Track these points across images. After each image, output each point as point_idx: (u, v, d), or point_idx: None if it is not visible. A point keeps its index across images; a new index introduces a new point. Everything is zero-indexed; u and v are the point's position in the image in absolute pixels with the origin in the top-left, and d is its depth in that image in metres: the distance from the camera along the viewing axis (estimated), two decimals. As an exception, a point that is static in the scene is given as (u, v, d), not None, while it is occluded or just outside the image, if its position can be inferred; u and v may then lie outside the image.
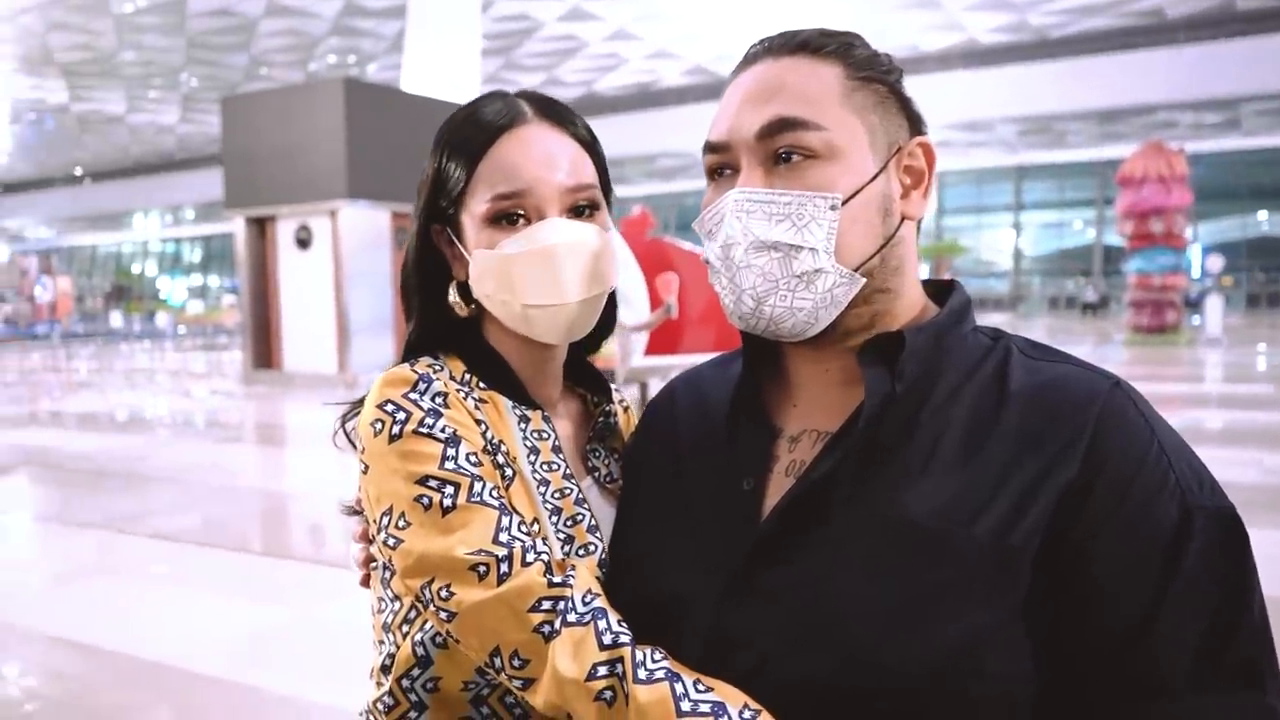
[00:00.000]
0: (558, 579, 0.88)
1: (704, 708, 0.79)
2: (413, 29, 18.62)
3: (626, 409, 1.25)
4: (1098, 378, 0.85)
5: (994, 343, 0.91)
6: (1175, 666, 0.76)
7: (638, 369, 9.11)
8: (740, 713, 0.78)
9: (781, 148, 0.87)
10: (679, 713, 0.79)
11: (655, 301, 8.72)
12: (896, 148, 0.90)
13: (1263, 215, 41.37)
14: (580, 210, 1.04)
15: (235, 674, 3.70)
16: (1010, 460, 0.81)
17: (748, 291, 0.88)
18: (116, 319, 41.32)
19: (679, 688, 0.80)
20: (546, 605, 0.86)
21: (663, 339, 9.84)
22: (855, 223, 0.87)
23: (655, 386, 10.81)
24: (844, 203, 0.86)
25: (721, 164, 0.92)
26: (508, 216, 1.02)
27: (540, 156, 1.02)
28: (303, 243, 15.19)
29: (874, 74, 0.90)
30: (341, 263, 14.76)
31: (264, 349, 15.93)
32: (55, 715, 3.41)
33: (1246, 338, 22.17)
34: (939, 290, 0.98)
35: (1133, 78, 28.83)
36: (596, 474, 1.12)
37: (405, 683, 1.00)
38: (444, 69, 17.61)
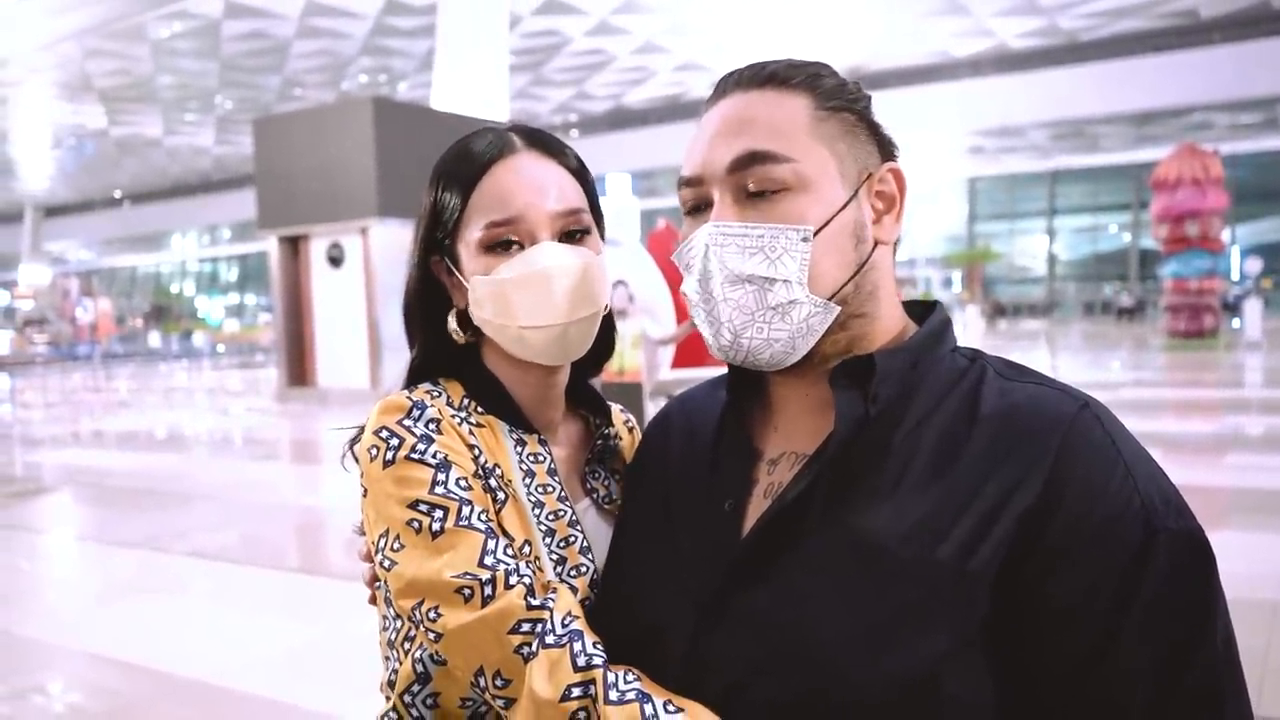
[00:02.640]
0: (537, 601, 0.91)
1: None
2: (442, 47, 18.77)
3: (632, 429, 1.28)
4: (1066, 399, 0.85)
5: (970, 364, 0.91)
6: (1135, 691, 0.76)
7: (664, 382, 9.10)
8: None
9: (752, 180, 0.88)
10: None
11: (681, 315, 8.71)
12: (867, 174, 0.91)
13: (1303, 216, 40.69)
14: (572, 235, 1.08)
15: (272, 690, 3.72)
16: (976, 483, 0.81)
17: (725, 325, 0.89)
18: (155, 339, 41.93)
19: (648, 709, 0.83)
20: (526, 627, 0.89)
21: (689, 352, 9.83)
22: (828, 252, 0.88)
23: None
24: (816, 233, 0.87)
25: (696, 198, 0.93)
26: (502, 243, 1.05)
27: (530, 184, 1.06)
28: (335, 261, 15.35)
29: (841, 103, 0.91)
30: (373, 280, 14.90)
31: (298, 366, 16.09)
32: (95, 732, 3.44)
33: (1288, 341, 21.79)
34: (922, 310, 0.98)
35: (1167, 79, 28.51)
36: (595, 495, 1.14)
37: (407, 698, 1.04)
38: (473, 86, 17.74)
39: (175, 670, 3.94)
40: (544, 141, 1.10)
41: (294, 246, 15.98)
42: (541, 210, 1.05)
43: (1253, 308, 21.42)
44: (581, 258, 1.06)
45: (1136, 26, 29.18)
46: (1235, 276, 32.75)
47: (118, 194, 54.62)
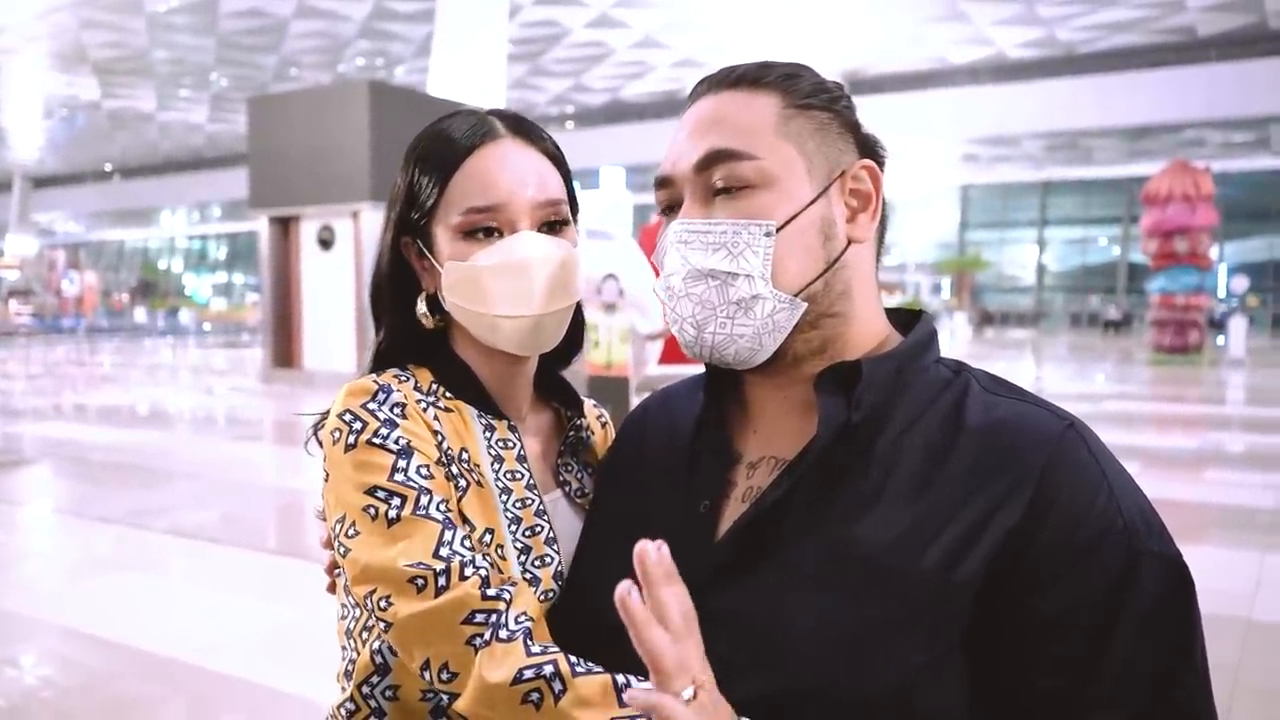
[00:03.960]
0: (491, 592, 0.90)
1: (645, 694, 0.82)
2: (441, 33, 18.72)
3: (605, 425, 1.27)
4: (1052, 418, 0.85)
5: (955, 375, 0.91)
6: (1116, 712, 0.76)
7: (651, 378, 9.10)
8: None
9: (718, 178, 0.89)
10: (621, 703, 0.82)
11: (674, 310, 8.69)
12: (839, 172, 0.91)
13: (1291, 236, 40.98)
14: (551, 225, 1.07)
15: (250, 671, 3.72)
16: (959, 498, 0.81)
17: (687, 320, 0.90)
18: (141, 314, 41.69)
19: (619, 679, 0.84)
20: (479, 618, 0.88)
21: (677, 349, 9.83)
22: (793, 248, 0.88)
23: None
24: (780, 229, 0.87)
25: (669, 199, 0.94)
26: (482, 229, 1.04)
27: (513, 171, 1.04)
28: (325, 243, 15.30)
29: (814, 101, 0.91)
30: (363, 263, 14.84)
31: (285, 347, 16.04)
32: (70, 707, 3.44)
33: (1271, 360, 21.96)
34: (905, 320, 0.98)
35: (1162, 95, 28.65)
36: (567, 487, 1.13)
37: (365, 689, 1.02)
38: (470, 74, 17.70)
39: (152, 648, 3.94)
40: (525, 128, 1.09)
41: (284, 227, 15.91)
42: (523, 199, 1.04)
43: (1237, 325, 21.57)
44: (560, 249, 1.06)
45: (1134, 41, 29.30)
46: (1221, 294, 32.96)
47: (108, 167, 54.28)
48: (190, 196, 53.76)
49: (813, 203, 0.89)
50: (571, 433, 1.16)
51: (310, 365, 15.64)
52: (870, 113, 0.97)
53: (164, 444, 9.73)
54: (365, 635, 1.03)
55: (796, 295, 0.88)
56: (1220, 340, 25.42)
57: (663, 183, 0.94)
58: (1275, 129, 32.70)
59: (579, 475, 1.16)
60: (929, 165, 36.51)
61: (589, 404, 1.25)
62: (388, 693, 1.02)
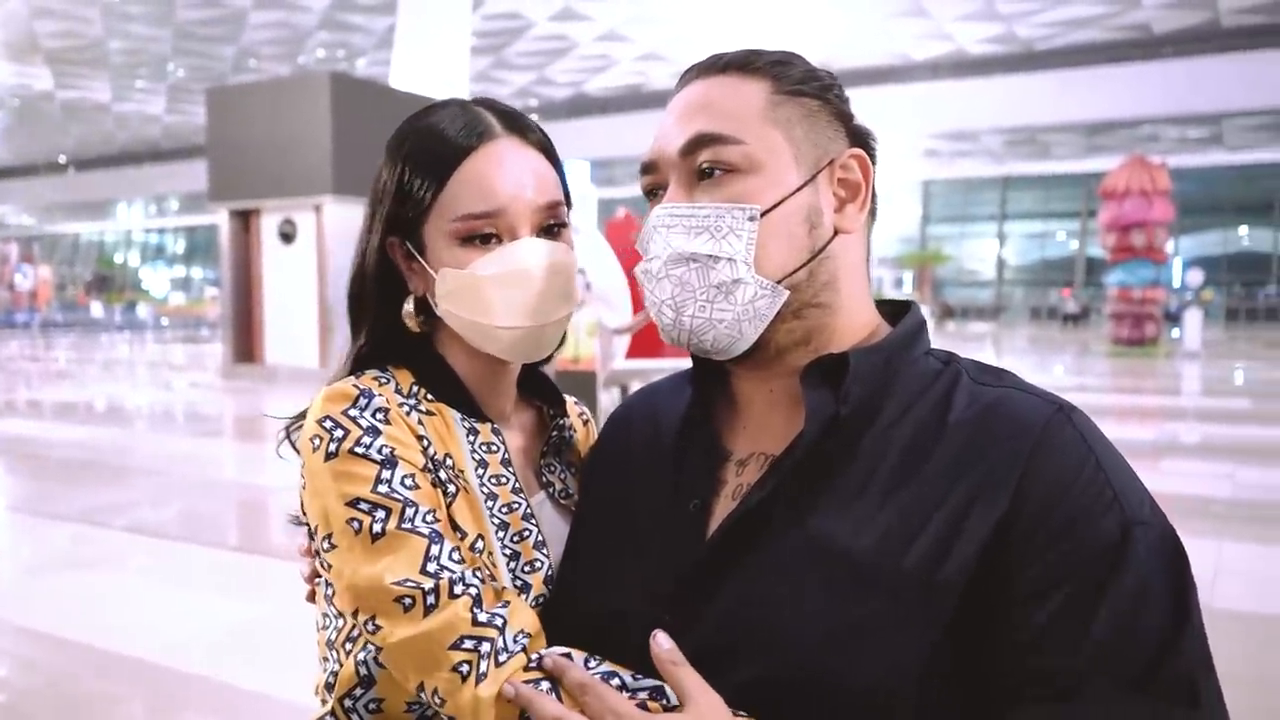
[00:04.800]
0: (484, 616, 0.87)
1: (642, 692, 0.82)
2: (403, 25, 18.55)
3: (586, 422, 1.24)
4: (1041, 403, 0.84)
5: (944, 366, 0.90)
6: (1101, 677, 0.75)
7: (618, 372, 9.11)
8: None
9: (703, 163, 0.88)
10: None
11: (638, 304, 8.73)
12: (827, 160, 0.90)
13: (1243, 230, 41.78)
14: (550, 229, 1.03)
15: (215, 669, 3.68)
16: (945, 489, 0.81)
17: (666, 302, 0.89)
18: (97, 309, 41.04)
19: (615, 681, 0.83)
20: (469, 644, 0.85)
21: (645, 343, 9.85)
22: (777, 235, 0.87)
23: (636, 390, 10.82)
24: (764, 214, 0.86)
25: (654, 184, 0.94)
26: (479, 236, 1.00)
27: (511, 174, 1.00)
28: (286, 237, 15.15)
29: (804, 89, 0.90)
30: (325, 258, 14.72)
31: (245, 343, 15.87)
32: (31, 708, 3.39)
33: (1224, 352, 22.38)
34: (895, 310, 0.97)
35: (1119, 91, 29.04)
36: (551, 489, 1.11)
37: (348, 702, 0.99)
38: (433, 66, 17.55)
39: (112, 647, 3.88)
40: (519, 123, 1.05)
41: (245, 221, 15.73)
42: (523, 203, 1.00)
43: (1193, 318, 21.94)
44: (560, 254, 1.03)
45: (1091, 38, 29.67)
46: (1177, 286, 33.52)
47: (62, 159, 53.27)
48: (147, 189, 52.92)
49: (799, 190, 0.88)
50: (555, 433, 1.13)
51: (272, 360, 15.48)
52: (847, 98, 0.96)
53: (122, 440, 9.59)
54: (349, 646, 0.99)
55: (779, 283, 0.87)
56: (1175, 333, 25.85)
57: (648, 168, 0.93)
58: (1228, 125, 33.28)
59: (562, 476, 1.13)
60: (891, 160, 36.75)
61: (570, 402, 1.22)
62: (371, 705, 0.98)
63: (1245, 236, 41.96)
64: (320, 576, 1.04)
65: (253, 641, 4.02)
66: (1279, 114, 30.76)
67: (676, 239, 0.88)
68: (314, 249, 14.87)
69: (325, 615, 1.04)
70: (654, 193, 0.94)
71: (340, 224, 14.68)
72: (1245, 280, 40.69)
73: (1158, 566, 0.77)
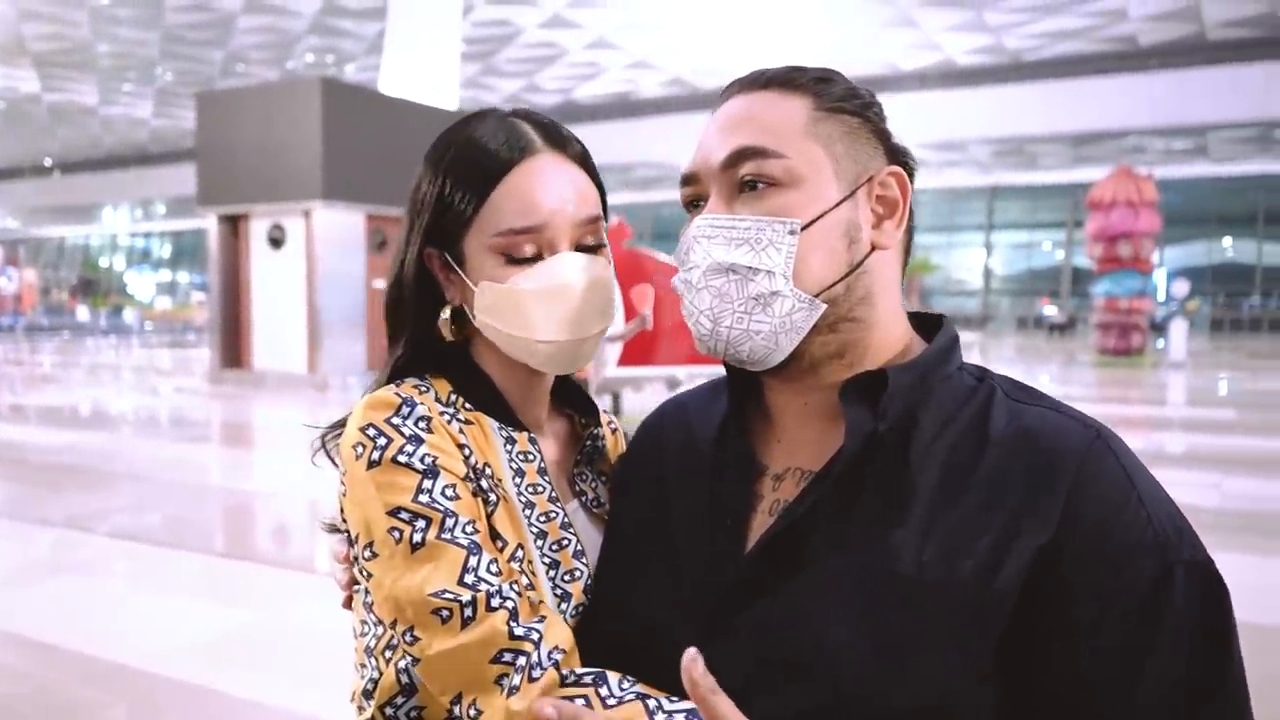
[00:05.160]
0: (520, 630, 0.88)
1: (678, 715, 0.81)
2: (393, 31, 18.55)
3: (615, 431, 1.24)
4: (1079, 427, 0.84)
5: (979, 383, 0.91)
6: (1159, 717, 0.75)
7: (611, 379, 9.11)
8: None
9: (745, 176, 0.89)
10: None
11: (630, 312, 8.75)
12: (866, 177, 0.91)
13: (1227, 241, 42.09)
14: (589, 246, 1.05)
15: (200, 676, 3.66)
16: (989, 510, 0.81)
17: (704, 313, 0.89)
18: (83, 313, 40.83)
19: (650, 703, 0.83)
20: (506, 658, 0.86)
21: (637, 350, 9.85)
22: (816, 248, 0.87)
23: (628, 397, 10.83)
24: (804, 228, 0.87)
25: (694, 195, 0.94)
26: (520, 249, 1.01)
27: (552, 190, 1.01)
28: (275, 242, 15.09)
29: (844, 105, 0.91)
30: (314, 263, 14.68)
31: (233, 348, 15.80)
32: (13, 714, 3.36)
33: (1209, 362, 22.51)
34: (925, 324, 0.97)
35: (1105, 103, 29.23)
36: (584, 498, 1.11)
37: (389, 710, 0.99)
38: (423, 73, 17.56)
39: (99, 653, 3.86)
40: (560, 137, 1.06)
41: (234, 225, 15.68)
42: (565, 218, 1.01)
43: (1178, 328, 22.05)
44: (600, 269, 1.04)
45: (1078, 49, 29.86)
46: (1161, 297, 33.72)
47: (48, 162, 52.98)
48: (133, 193, 52.66)
49: (838, 205, 0.88)
50: (589, 442, 1.14)
51: (260, 366, 15.42)
52: (886, 115, 0.97)
53: (108, 446, 9.54)
54: (389, 654, 0.99)
55: (816, 296, 0.87)
56: (1161, 343, 25.99)
57: (689, 179, 0.94)
58: (1212, 137, 33.54)
59: (594, 485, 1.13)
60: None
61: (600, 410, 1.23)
62: (412, 713, 0.98)
63: (1229, 247, 42.28)
64: (359, 584, 1.04)
65: (240, 647, 4.00)
66: (1263, 126, 31.04)
67: (717, 250, 0.88)
68: (303, 254, 14.82)
69: (364, 622, 1.04)
70: (694, 204, 0.95)
71: (329, 230, 14.65)
72: (1229, 291, 41.00)
73: (1199, 606, 0.77)
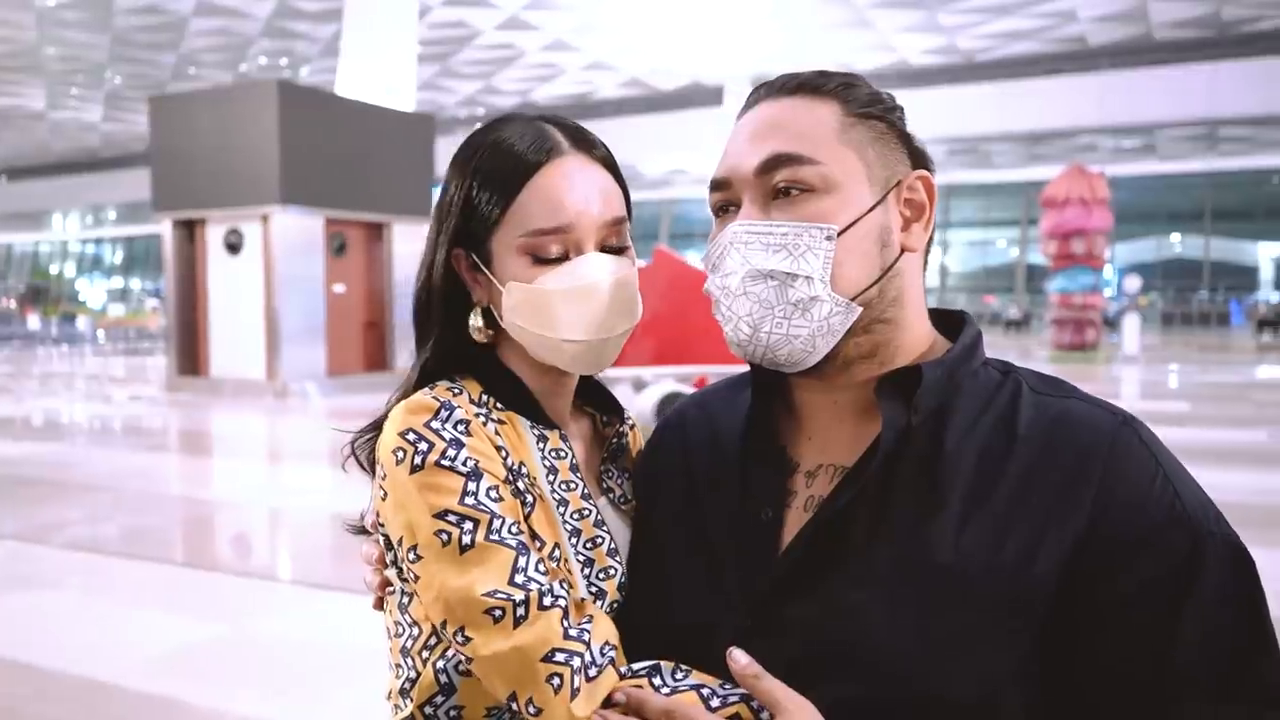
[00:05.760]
0: (574, 631, 0.90)
1: (733, 699, 0.84)
2: (349, 33, 18.36)
3: (633, 427, 1.25)
4: (1105, 415, 0.87)
5: (1004, 377, 0.93)
6: (1192, 688, 0.78)
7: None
8: None
9: (779, 182, 0.90)
10: (710, 709, 0.83)
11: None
12: (895, 181, 0.93)
13: (1176, 238, 42.91)
14: (614, 247, 1.06)
15: (163, 689, 3.62)
16: (1023, 502, 0.83)
17: (744, 319, 0.90)
18: (34, 321, 40.03)
19: (705, 690, 0.85)
20: (560, 657, 0.88)
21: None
22: (852, 253, 0.89)
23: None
24: (840, 233, 0.88)
25: (725, 201, 0.95)
26: (547, 250, 1.02)
27: (579, 191, 1.03)
28: (233, 247, 14.90)
29: (872, 111, 0.93)
30: (273, 268, 14.51)
31: (190, 355, 15.57)
32: (-24, 732, 3.30)
33: (1161, 356, 22.93)
34: (946, 322, 1.00)
35: (1057, 102, 29.63)
36: (611, 494, 1.13)
37: (428, 710, 1.00)
38: (379, 75, 17.40)
39: (61, 668, 3.80)
40: (585, 139, 1.07)
41: (190, 230, 15.45)
42: (591, 218, 1.02)
43: (1131, 323, 22.44)
44: (625, 270, 1.05)
45: (1030, 50, 30.26)
46: (1110, 293, 34.27)
47: (-5, 168, 51.91)
48: (84, 198, 51.75)
49: (872, 209, 0.90)
50: (615, 439, 1.16)
51: (218, 373, 15.21)
52: (908, 120, 0.98)
53: (63, 456, 9.37)
54: (426, 654, 1.01)
55: (853, 300, 0.89)
56: (1114, 338, 26.43)
57: (720, 184, 0.95)
58: (1161, 135, 34.16)
59: (620, 482, 1.15)
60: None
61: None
62: (452, 712, 1.00)
63: (1178, 244, 43.10)
64: (392, 586, 1.06)
65: (205, 659, 3.95)
66: (1208, 125, 31.68)
67: (755, 256, 0.89)
68: (261, 259, 14.63)
69: (398, 623, 1.05)
70: (724, 209, 0.95)
71: (288, 234, 14.48)
72: (1178, 286, 41.80)
73: (1230, 575, 0.80)
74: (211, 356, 15.36)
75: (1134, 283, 28.87)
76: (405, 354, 16.23)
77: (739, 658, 0.77)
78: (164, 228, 15.53)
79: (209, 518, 7.03)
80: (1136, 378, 17.63)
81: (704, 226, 40.78)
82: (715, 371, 6.72)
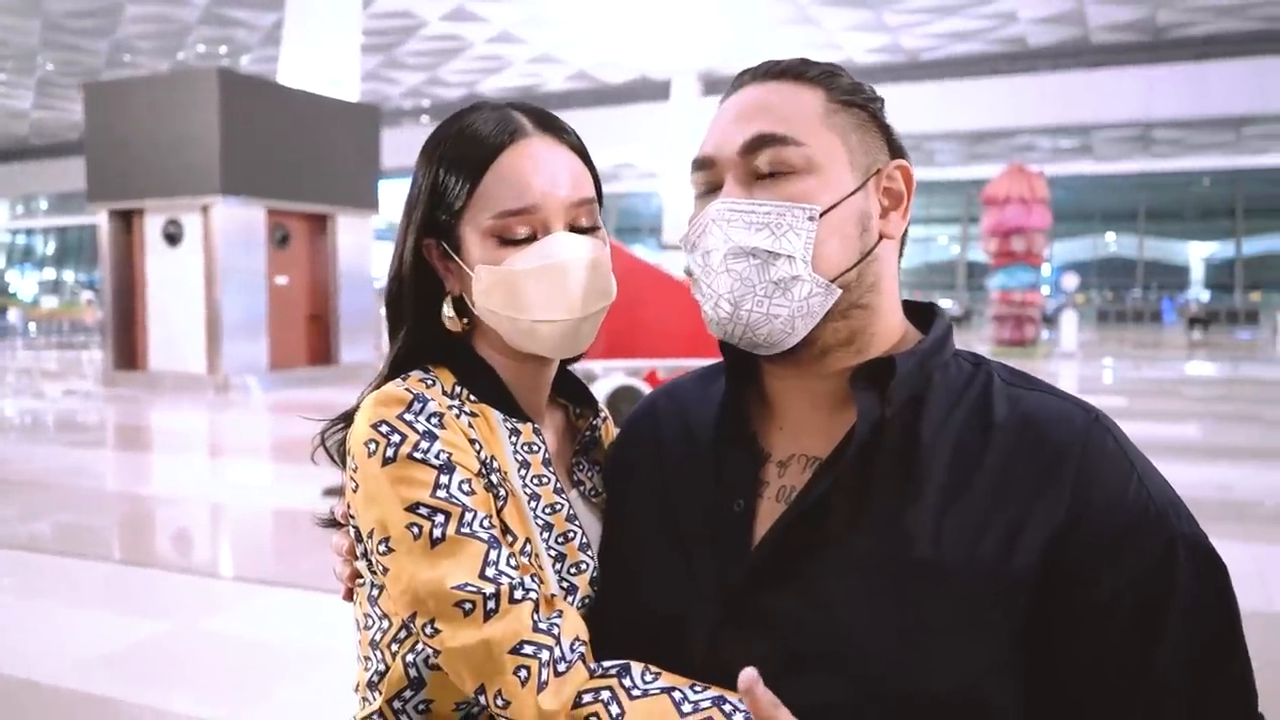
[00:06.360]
0: (543, 624, 0.89)
1: (705, 704, 0.82)
2: (291, 22, 18.05)
3: (605, 420, 1.25)
4: (1077, 410, 0.88)
5: (976, 369, 0.94)
6: (1170, 693, 0.79)
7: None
8: (740, 701, 0.81)
9: (763, 162, 0.90)
10: (681, 714, 0.82)
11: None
12: (876, 169, 0.94)
13: (1111, 237, 43.97)
14: (583, 227, 1.05)
15: (106, 690, 3.54)
16: (998, 497, 0.83)
17: (724, 296, 0.90)
18: (-40, 314, 38.84)
19: (677, 695, 0.84)
20: (528, 650, 0.87)
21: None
22: (833, 235, 0.90)
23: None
24: (822, 214, 0.89)
25: (707, 181, 0.95)
26: (514, 232, 1.01)
27: (545, 171, 1.02)
28: (172, 238, 14.58)
29: (854, 99, 0.94)
30: (214, 260, 14.22)
31: (127, 348, 15.21)
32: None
33: (1098, 351, 23.46)
34: (917, 314, 1.01)
35: (998, 102, 30.15)
36: (582, 487, 1.12)
37: (397, 703, 1.00)
38: (323, 64, 17.13)
39: (4, 670, 3.69)
40: (551, 123, 1.07)
41: (127, 221, 15.08)
42: (557, 199, 1.01)
43: (1069, 320, 22.92)
44: (595, 248, 1.04)
45: (972, 50, 30.74)
46: (1046, 291, 35.01)
47: (-81, 156, 50.24)
48: (14, 188, 50.32)
49: (853, 194, 0.91)
50: (588, 432, 1.15)
51: (156, 367, 14.88)
52: (884, 111, 0.99)
53: (-5, 452, 9.11)
54: (395, 647, 1.00)
55: (833, 281, 0.90)
56: (1046, 334, 26.97)
57: (703, 164, 0.95)
58: (1097, 136, 34.93)
59: (590, 475, 1.14)
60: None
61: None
62: (421, 706, 0.99)
63: (1113, 243, 44.16)
64: (362, 578, 1.05)
65: (148, 658, 3.87)
66: (1142, 127, 32.46)
67: (737, 233, 0.89)
68: (201, 251, 14.33)
69: (368, 615, 1.04)
70: (706, 191, 0.96)
71: (229, 225, 14.21)
72: (1113, 284, 42.86)
73: (1202, 576, 0.81)
74: (150, 350, 15.02)
75: (1072, 280, 29.51)
76: (349, 347, 16.15)
77: (756, 689, 0.74)
78: (100, 218, 15.15)
79: (148, 514, 6.88)
80: (1075, 373, 18.00)
81: (651, 220, 40.80)
82: (665, 365, 6.75)
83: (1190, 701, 0.79)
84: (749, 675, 0.73)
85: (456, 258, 1.05)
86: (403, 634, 0.99)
